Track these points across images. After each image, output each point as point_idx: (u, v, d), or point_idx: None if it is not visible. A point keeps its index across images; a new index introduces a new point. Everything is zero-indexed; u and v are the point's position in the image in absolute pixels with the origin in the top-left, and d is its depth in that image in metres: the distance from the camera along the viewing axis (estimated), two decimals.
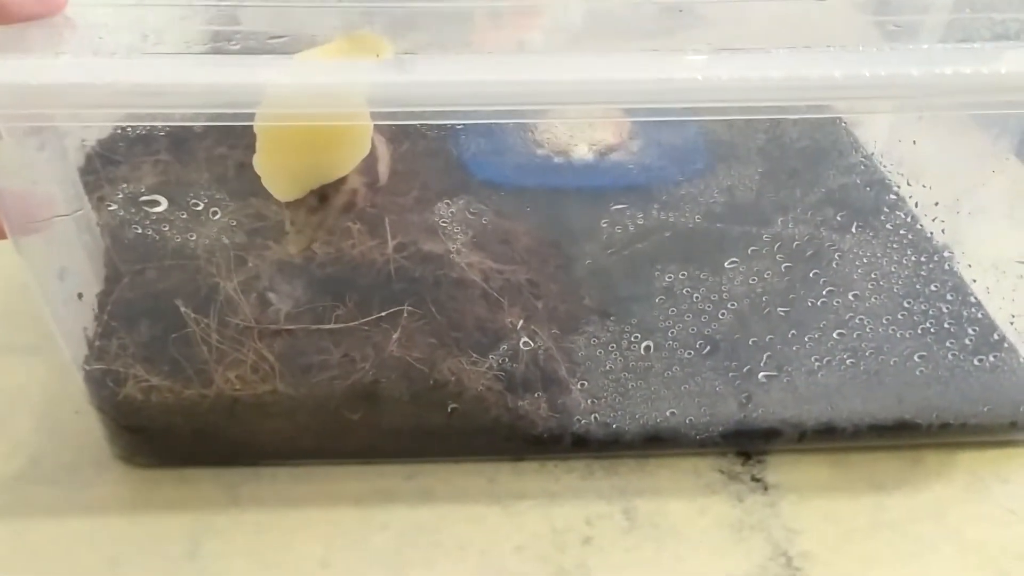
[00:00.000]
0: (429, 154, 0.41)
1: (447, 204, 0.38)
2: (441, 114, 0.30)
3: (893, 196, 0.33)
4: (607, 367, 0.37)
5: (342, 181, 0.32)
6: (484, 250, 0.35)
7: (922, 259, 0.34)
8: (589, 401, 0.38)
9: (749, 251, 0.34)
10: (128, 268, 0.36)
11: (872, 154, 0.33)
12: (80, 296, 0.35)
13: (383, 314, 0.35)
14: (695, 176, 0.38)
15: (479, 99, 0.29)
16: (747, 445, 0.39)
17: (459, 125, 0.33)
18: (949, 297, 0.37)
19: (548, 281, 0.35)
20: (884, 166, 0.34)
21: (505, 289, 0.35)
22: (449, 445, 0.39)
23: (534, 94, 0.28)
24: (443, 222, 0.34)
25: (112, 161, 0.32)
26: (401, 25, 0.31)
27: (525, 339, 0.36)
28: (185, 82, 0.27)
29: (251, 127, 0.30)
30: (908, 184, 0.33)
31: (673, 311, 0.35)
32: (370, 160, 0.32)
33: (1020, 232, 0.39)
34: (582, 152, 0.43)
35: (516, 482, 0.39)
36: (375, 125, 0.32)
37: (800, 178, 0.32)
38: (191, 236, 0.33)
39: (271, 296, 0.37)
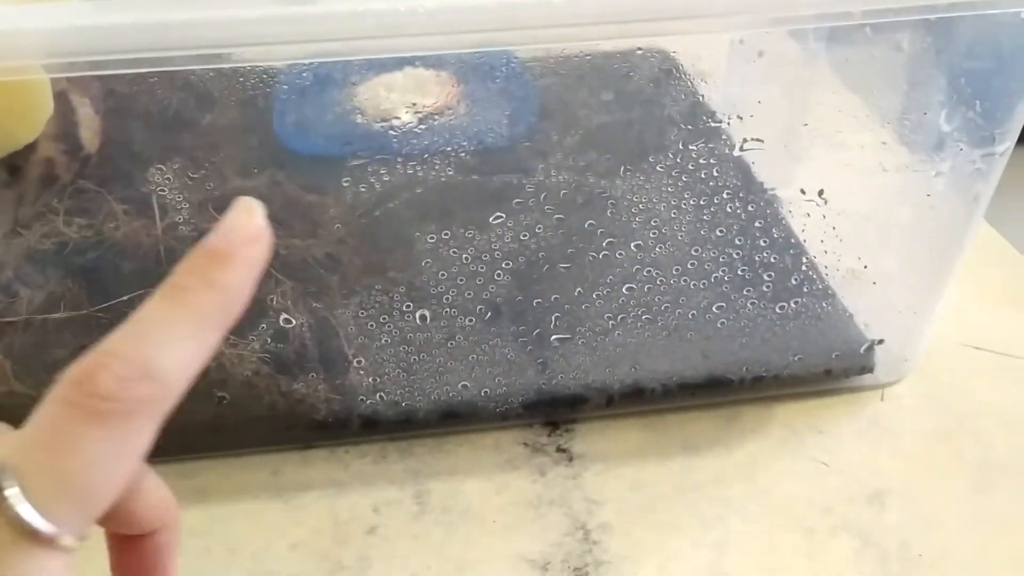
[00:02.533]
0: (239, 128, 0.37)
1: (245, 180, 0.34)
2: (132, 62, 0.26)
3: (717, 131, 0.30)
4: (383, 341, 0.34)
5: (31, 150, 0.28)
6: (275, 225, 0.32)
7: (739, 199, 0.31)
8: (371, 379, 0.35)
9: (514, 203, 0.31)
10: None
11: (697, 91, 0.30)
12: None
13: (125, 298, 0.32)
14: (525, 135, 0.35)
15: (166, 42, 0.25)
16: (553, 414, 0.37)
17: (154, 75, 0.30)
18: (763, 240, 0.35)
19: (299, 251, 0.32)
20: (706, 98, 0.31)
21: (278, 265, 0.32)
22: (225, 438, 0.36)
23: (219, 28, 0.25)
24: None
25: None
26: None
27: (285, 316, 0.32)
28: None
29: None
30: (730, 121, 0.30)
31: (443, 275, 0.32)
32: (65, 124, 0.28)
33: (841, 170, 0.37)
34: (405, 118, 0.40)
35: (302, 472, 0.36)
36: (71, 81, 0.28)
37: (553, 120, 0.30)
38: None
39: (18, 288, 0.33)
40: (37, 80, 0.26)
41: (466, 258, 0.32)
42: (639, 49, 0.34)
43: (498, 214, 0.31)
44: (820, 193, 0.33)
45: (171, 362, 0.17)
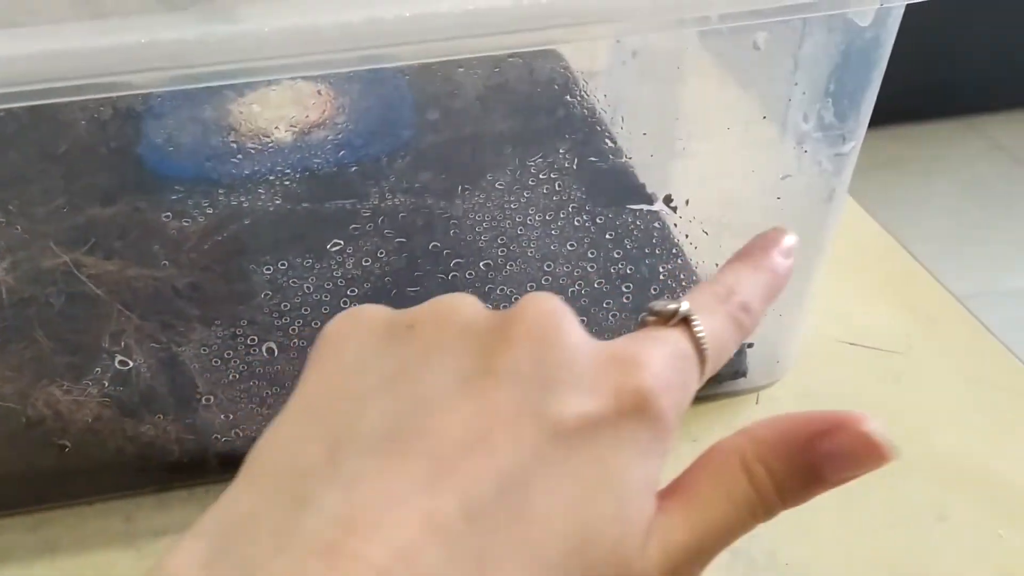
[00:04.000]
0: (91, 147, 0.35)
1: (100, 209, 0.32)
2: None
3: (601, 136, 0.29)
4: (231, 376, 0.32)
5: None
6: (121, 258, 0.30)
7: (558, 215, 0.31)
8: (225, 416, 0.33)
9: (350, 229, 0.30)
10: None
11: (583, 90, 0.29)
12: None
13: None
14: (401, 148, 0.34)
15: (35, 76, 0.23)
16: None
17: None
18: (591, 255, 0.34)
19: (125, 286, 0.30)
20: (590, 98, 0.30)
21: (90, 304, 0.30)
22: (74, 487, 0.34)
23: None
24: (80, 232, 0.29)
25: None
26: None
27: (121, 358, 0.31)
28: None
29: None
30: (622, 125, 0.30)
31: (285, 305, 0.31)
32: None
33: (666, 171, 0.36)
34: (280, 134, 0.38)
35: (158, 518, 0.34)
36: None
37: (376, 140, 0.29)
38: None
39: None
40: None
41: (308, 287, 0.31)
42: (511, 56, 0.33)
43: (336, 241, 0.30)
44: (668, 200, 0.32)
45: (756, 307, 0.23)
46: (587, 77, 0.34)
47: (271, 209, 0.29)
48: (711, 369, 0.22)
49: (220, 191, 0.28)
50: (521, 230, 0.31)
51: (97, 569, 0.32)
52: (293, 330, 0.32)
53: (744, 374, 0.37)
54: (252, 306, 0.31)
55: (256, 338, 0.31)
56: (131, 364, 0.31)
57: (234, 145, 0.33)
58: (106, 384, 0.31)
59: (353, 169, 0.28)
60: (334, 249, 0.30)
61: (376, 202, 0.29)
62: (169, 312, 0.31)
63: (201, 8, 0.25)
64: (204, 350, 0.31)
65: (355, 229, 0.30)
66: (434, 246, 0.31)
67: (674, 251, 0.33)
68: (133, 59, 0.23)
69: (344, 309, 0.32)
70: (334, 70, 0.29)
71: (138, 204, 0.32)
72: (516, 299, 0.33)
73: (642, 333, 0.21)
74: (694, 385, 0.21)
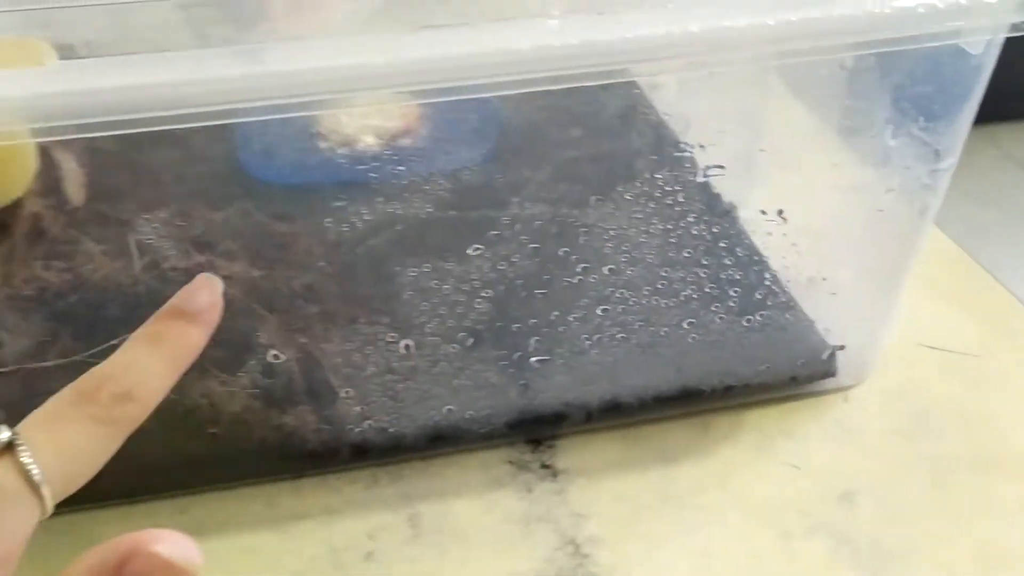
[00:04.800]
0: (199, 159, 0.38)
1: (217, 213, 0.35)
2: (112, 124, 0.27)
3: (681, 157, 0.32)
4: (369, 371, 0.35)
5: (18, 206, 0.29)
6: (250, 259, 0.33)
7: (704, 220, 0.33)
8: (359, 408, 0.36)
9: (490, 235, 0.32)
10: None
11: (662, 119, 0.32)
12: None
13: (114, 342, 0.33)
14: (486, 159, 0.37)
15: (157, 104, 0.26)
16: (535, 432, 0.38)
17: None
18: (728, 259, 0.37)
19: (286, 287, 0.33)
20: (667, 123, 0.32)
21: (236, 297, 0.33)
22: (219, 472, 0.36)
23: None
24: (207, 233, 0.31)
25: None
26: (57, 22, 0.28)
27: (274, 352, 0.33)
28: None
29: None
30: (701, 147, 0.32)
31: (426, 306, 0.34)
32: (50, 180, 0.29)
33: (802, 187, 0.39)
34: (368, 142, 0.41)
35: (296, 502, 0.37)
36: (60, 142, 0.29)
37: (524, 157, 0.31)
38: None
39: (5, 339, 0.34)
40: (20, 143, 0.27)
41: (447, 288, 0.33)
42: (603, 84, 0.35)
43: (476, 245, 0.32)
44: (780, 212, 0.34)
45: (146, 391, 0.23)
46: (676, 95, 0.36)
47: (422, 216, 0.31)
48: (68, 487, 0.21)
49: (378, 199, 0.31)
50: (644, 238, 0.33)
51: (245, 550, 0.35)
52: (429, 328, 0.34)
53: (833, 374, 0.40)
54: (395, 305, 0.33)
55: (396, 335, 0.34)
56: (282, 358, 0.34)
57: (391, 155, 0.35)
58: (257, 376, 0.34)
59: (499, 178, 0.31)
60: (474, 253, 0.32)
61: (516, 210, 0.32)
62: (314, 310, 0.33)
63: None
64: (347, 345, 0.34)
65: (495, 235, 0.32)
66: (564, 252, 0.33)
67: (783, 258, 0.35)
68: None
69: (477, 309, 0.34)
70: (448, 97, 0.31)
71: (247, 208, 0.35)
72: (633, 304, 0.35)
73: None
74: (28, 523, 0.20)
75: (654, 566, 0.34)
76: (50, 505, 0.21)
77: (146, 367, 0.23)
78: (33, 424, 0.21)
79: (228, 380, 0.34)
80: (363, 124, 0.39)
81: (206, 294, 0.24)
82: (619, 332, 0.36)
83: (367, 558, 0.34)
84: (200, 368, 0.34)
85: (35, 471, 0.20)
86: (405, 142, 0.40)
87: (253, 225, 0.31)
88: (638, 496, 0.36)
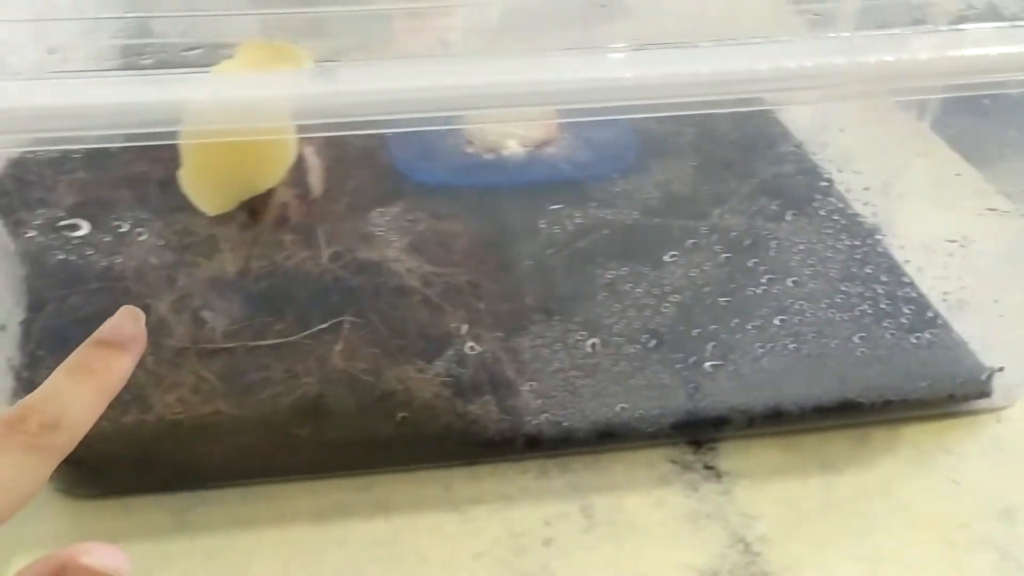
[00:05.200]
0: (359, 160, 0.40)
1: (381, 210, 0.37)
2: (369, 124, 0.29)
3: (825, 183, 0.34)
4: (555, 366, 0.36)
5: (270, 194, 0.31)
6: (423, 254, 0.35)
7: (856, 243, 0.35)
8: (539, 401, 0.37)
9: (688, 244, 0.34)
10: (52, 294, 0.35)
11: (801, 143, 0.34)
12: (3, 328, 0.34)
13: (324, 326, 0.35)
14: (625, 170, 0.38)
15: (406, 106, 0.28)
16: (698, 434, 0.40)
17: (387, 133, 0.33)
18: (884, 278, 0.38)
19: (490, 283, 0.35)
20: (813, 154, 0.34)
21: (447, 293, 0.35)
22: (402, 454, 0.38)
23: (461, 99, 0.28)
24: (378, 229, 0.34)
25: (25, 183, 0.31)
26: (317, 30, 0.30)
27: (471, 343, 0.35)
28: (102, 103, 0.26)
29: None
30: (839, 171, 0.34)
31: (616, 307, 0.35)
32: (299, 172, 0.31)
33: (945, 211, 0.40)
34: (512, 149, 0.43)
35: (472, 487, 0.38)
36: (304, 137, 0.31)
37: (734, 169, 0.33)
38: (117, 259, 0.31)
39: (206, 314, 0.36)
40: (287, 137, 0.29)
41: (639, 291, 0.35)
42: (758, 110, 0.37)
43: (673, 252, 0.34)
44: (955, 241, 0.36)
45: (75, 419, 0.23)
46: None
47: (628, 222, 0.33)
48: (4, 515, 0.21)
49: (592, 204, 0.32)
50: (830, 253, 0.35)
51: (428, 528, 0.37)
52: (616, 329, 0.36)
53: (989, 395, 0.41)
54: (588, 305, 0.35)
55: (585, 333, 0.36)
56: (478, 350, 0.36)
57: (491, 155, 0.37)
58: (452, 366, 0.36)
59: (705, 190, 0.32)
60: (670, 260, 0.34)
61: (716, 221, 0.33)
62: (517, 306, 0.35)
63: None
64: (539, 341, 0.36)
65: (692, 243, 0.34)
66: (753, 262, 0.35)
67: (959, 279, 0.37)
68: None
69: (663, 313, 0.36)
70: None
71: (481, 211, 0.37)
72: (809, 315, 0.37)
73: None
74: None
75: (824, 568, 0.35)
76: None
77: (73, 396, 0.23)
78: None
79: (425, 368, 0.36)
80: (506, 132, 0.41)
81: (131, 325, 0.25)
82: (792, 342, 0.37)
83: (546, 543, 0.36)
84: (401, 355, 0.36)
85: None
86: (547, 150, 0.42)
87: (466, 228, 0.33)
88: (801, 501, 0.38)
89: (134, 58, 0.30)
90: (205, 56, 0.31)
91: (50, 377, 0.24)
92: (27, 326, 0.35)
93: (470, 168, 0.40)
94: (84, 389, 0.23)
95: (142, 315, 0.26)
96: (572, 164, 0.39)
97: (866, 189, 0.37)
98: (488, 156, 0.41)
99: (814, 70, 0.27)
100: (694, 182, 0.33)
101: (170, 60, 0.30)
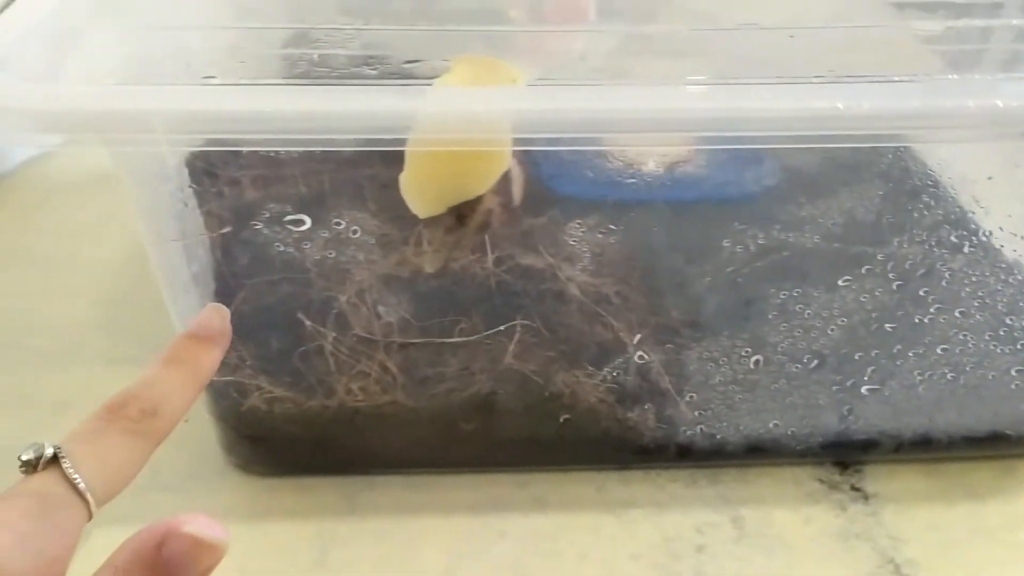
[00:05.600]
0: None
1: (541, 220, 0.38)
2: (582, 140, 0.31)
3: (1007, 216, 0.34)
4: (716, 380, 0.38)
5: (478, 201, 0.33)
6: (594, 266, 0.36)
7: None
8: (696, 413, 0.39)
9: (863, 269, 0.35)
10: (242, 281, 0.37)
11: (990, 177, 0.34)
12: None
13: (502, 328, 0.36)
14: (766, 191, 0.39)
15: (614, 126, 0.30)
16: (844, 455, 0.41)
17: (596, 150, 0.34)
18: None
19: (665, 297, 0.36)
20: (995, 194, 0.35)
21: (622, 304, 0.36)
22: (558, 454, 0.40)
23: (674, 123, 0.29)
24: (570, 240, 0.35)
25: (248, 178, 0.33)
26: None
27: (640, 352, 0.37)
28: (346, 110, 0.28)
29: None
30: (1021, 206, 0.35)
31: (784, 327, 0.36)
32: (505, 181, 0.33)
33: None
34: (651, 167, 0.44)
35: (624, 491, 0.40)
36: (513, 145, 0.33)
37: (920, 199, 0.34)
38: (330, 253, 0.34)
39: (397, 310, 0.38)
40: (504, 149, 0.31)
41: (808, 313, 0.36)
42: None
43: (847, 277, 0.35)
44: None
45: (171, 406, 0.25)
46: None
47: (808, 245, 0.34)
48: (109, 493, 0.23)
49: (776, 226, 0.34)
50: (1000, 286, 0.36)
51: (586, 527, 0.38)
52: (781, 348, 0.37)
53: None
54: (757, 323, 0.36)
55: (749, 350, 0.37)
56: (646, 359, 0.37)
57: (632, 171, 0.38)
58: (619, 374, 0.37)
59: (888, 218, 0.33)
60: (843, 284, 0.35)
61: (894, 249, 0.34)
62: (691, 319, 0.36)
63: None
64: (706, 354, 0.37)
65: (867, 270, 0.35)
66: (924, 291, 0.36)
67: None
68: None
69: (829, 335, 0.37)
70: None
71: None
72: (971, 346, 0.37)
73: (8, 492, 0.22)
74: (76, 524, 0.22)
75: None
76: (94, 509, 0.23)
77: (169, 385, 0.25)
78: (73, 439, 0.23)
79: (593, 373, 0.37)
80: (647, 150, 0.43)
81: (217, 321, 0.27)
82: (950, 371, 0.38)
83: (698, 550, 0.37)
84: (572, 360, 0.37)
85: (78, 479, 0.22)
86: (684, 169, 0.43)
87: (644, 243, 0.35)
88: (949, 527, 0.38)
89: (361, 68, 0.32)
90: (421, 69, 0.33)
91: (147, 368, 0.26)
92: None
93: (612, 183, 0.41)
94: (179, 378, 0.26)
95: (227, 312, 0.28)
96: (710, 184, 0.40)
97: None
98: (629, 172, 0.42)
99: (973, 110, 0.28)
100: (879, 210, 0.34)
101: (393, 71, 0.32)
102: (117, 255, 0.52)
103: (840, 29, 0.36)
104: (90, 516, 0.23)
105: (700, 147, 0.37)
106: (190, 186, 0.34)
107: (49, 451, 0.23)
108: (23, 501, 0.22)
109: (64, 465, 0.23)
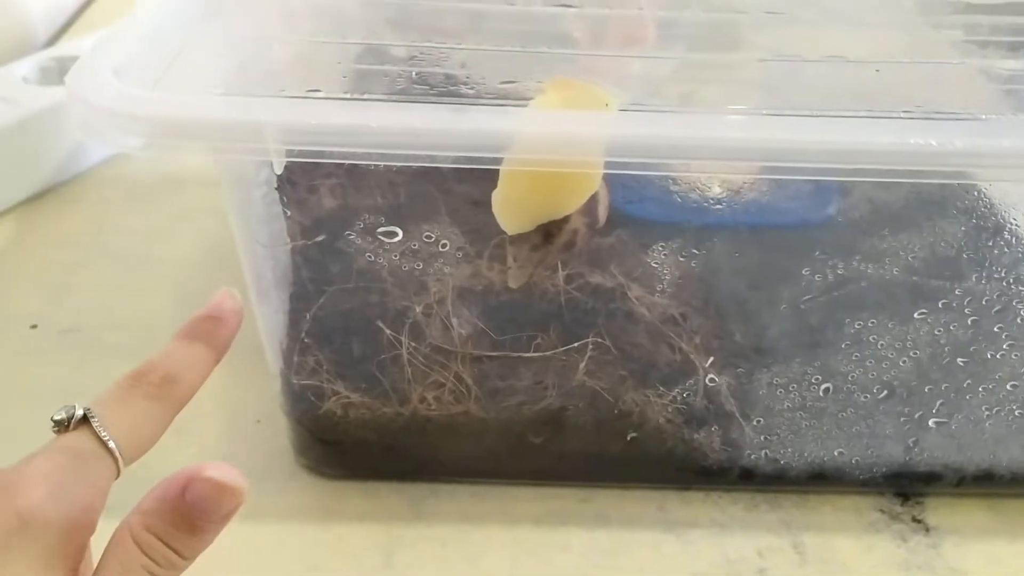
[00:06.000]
0: None
1: (627, 240, 0.39)
2: (670, 166, 0.32)
3: None
4: (785, 406, 0.38)
5: (565, 220, 0.33)
6: (674, 289, 0.37)
7: None
8: (762, 437, 0.39)
9: (940, 303, 0.35)
10: (322, 287, 0.38)
11: None
12: (288, 312, 0.37)
13: (575, 345, 0.37)
14: (826, 221, 0.40)
15: (709, 153, 0.30)
16: (906, 487, 0.41)
17: (681, 176, 0.35)
18: None
19: (736, 323, 0.37)
20: None
21: (696, 328, 0.37)
22: (622, 472, 0.41)
23: (758, 152, 0.30)
24: (655, 263, 0.36)
25: (346, 188, 0.34)
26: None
27: (712, 375, 0.37)
28: (447, 128, 0.29)
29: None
30: None
31: (856, 356, 0.37)
32: (591, 202, 0.34)
33: None
34: (715, 191, 0.44)
35: (685, 511, 0.40)
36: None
37: (1000, 237, 0.34)
38: (418, 264, 0.34)
39: (477, 323, 0.38)
40: (595, 171, 0.32)
41: (881, 344, 0.36)
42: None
43: (923, 310, 0.35)
44: None
45: (189, 375, 0.28)
46: None
47: (887, 277, 0.34)
48: (135, 452, 0.26)
49: (856, 257, 0.34)
50: None
51: (648, 544, 0.39)
52: (852, 377, 0.37)
53: None
54: (830, 352, 0.37)
55: (820, 378, 0.37)
56: (716, 382, 0.37)
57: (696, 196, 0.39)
58: (689, 395, 0.38)
59: (969, 254, 0.34)
60: (919, 317, 0.36)
61: (972, 284, 0.34)
62: (765, 345, 0.37)
63: None
64: (776, 379, 0.37)
65: (943, 304, 0.35)
66: (999, 328, 0.36)
67: None
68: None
69: (900, 367, 0.37)
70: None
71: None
72: None
73: (43, 448, 0.25)
74: (106, 478, 0.25)
75: None
76: (122, 466, 0.25)
77: (188, 356, 0.28)
78: (101, 402, 0.26)
79: (663, 393, 0.38)
80: (711, 175, 0.43)
81: (229, 302, 0.30)
82: (1018, 408, 0.38)
83: (760, 573, 0.38)
84: (643, 379, 0.38)
85: (107, 437, 0.25)
86: (748, 195, 0.43)
87: (724, 268, 0.35)
88: (1011, 562, 0.38)
89: (458, 87, 0.33)
90: (517, 90, 0.34)
91: (170, 341, 0.28)
92: (294, 315, 0.38)
93: (677, 206, 0.42)
94: (196, 351, 0.28)
95: (238, 295, 0.31)
96: (772, 210, 0.40)
97: None
98: (693, 196, 0.43)
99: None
100: (960, 245, 0.34)
101: (489, 91, 0.33)
102: (190, 254, 0.54)
103: (922, 65, 0.37)
104: (118, 473, 0.25)
105: (782, 176, 0.37)
106: (282, 196, 0.35)
107: (79, 412, 0.25)
108: (58, 456, 0.24)
109: (94, 424, 0.25)
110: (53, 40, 0.77)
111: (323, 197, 0.37)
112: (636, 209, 0.42)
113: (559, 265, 0.38)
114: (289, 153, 0.30)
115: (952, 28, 0.40)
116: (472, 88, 0.33)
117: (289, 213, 0.36)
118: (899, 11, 0.43)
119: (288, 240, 0.36)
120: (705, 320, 0.37)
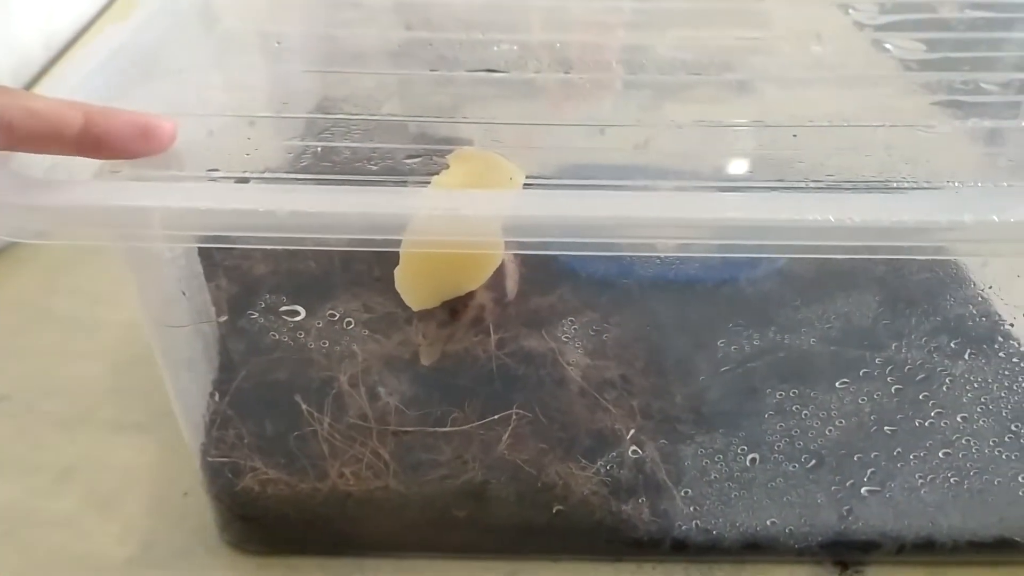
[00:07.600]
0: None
1: (551, 306, 0.39)
2: (574, 245, 0.31)
3: (1008, 327, 0.34)
4: (712, 476, 0.37)
5: (471, 296, 0.33)
6: (596, 356, 0.36)
7: None
8: (691, 508, 0.38)
9: (861, 372, 0.34)
10: (238, 366, 0.38)
11: (988, 287, 0.34)
12: (212, 392, 0.37)
13: (496, 417, 0.36)
14: (773, 275, 0.39)
15: (610, 233, 0.30)
16: (845, 555, 0.40)
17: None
18: None
19: (659, 393, 0.36)
20: (1001, 298, 0.34)
21: (617, 398, 0.36)
22: (550, 544, 0.40)
23: (668, 229, 0.29)
24: (562, 334, 0.35)
25: (247, 271, 0.34)
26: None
27: (635, 447, 0.36)
28: (340, 211, 0.29)
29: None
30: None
31: (781, 426, 0.36)
32: (498, 277, 0.33)
33: None
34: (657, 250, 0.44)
35: None
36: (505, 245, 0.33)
37: (918, 307, 0.33)
38: (323, 342, 0.34)
39: (390, 399, 0.38)
40: (497, 250, 0.31)
41: (805, 413, 0.36)
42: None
43: (844, 379, 0.35)
44: None
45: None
46: None
47: (804, 348, 0.34)
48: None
49: (772, 328, 0.33)
50: (1004, 393, 0.35)
51: None
52: (777, 447, 0.36)
53: None
54: (754, 422, 0.36)
55: (745, 448, 0.36)
56: (640, 454, 0.37)
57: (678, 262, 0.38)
58: (613, 467, 0.37)
59: (885, 324, 0.33)
60: (841, 386, 0.35)
61: (892, 354, 0.34)
62: (686, 416, 0.36)
63: None
64: (701, 450, 0.37)
65: (865, 372, 0.34)
66: (924, 396, 0.35)
67: None
68: None
69: (826, 436, 0.36)
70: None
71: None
72: (975, 452, 0.36)
73: None
74: None
75: None
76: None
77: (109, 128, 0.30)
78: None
79: (587, 466, 0.37)
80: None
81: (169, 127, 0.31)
82: (953, 475, 0.37)
83: None
84: (565, 451, 0.37)
85: None
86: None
87: (643, 334, 0.35)
88: None
89: (362, 163, 0.33)
90: (423, 164, 0.33)
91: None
92: (218, 386, 0.38)
93: (624, 266, 0.41)
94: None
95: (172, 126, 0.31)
96: (706, 267, 0.39)
97: None
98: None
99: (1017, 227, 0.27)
100: (875, 315, 0.33)
101: (394, 167, 0.33)
102: (135, 317, 0.53)
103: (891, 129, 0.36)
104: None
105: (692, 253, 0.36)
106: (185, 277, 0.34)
107: None
108: None
109: None
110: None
111: (221, 277, 0.37)
112: (580, 265, 0.41)
113: (491, 330, 0.38)
114: (176, 239, 0.30)
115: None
116: (376, 165, 0.33)
117: (200, 294, 0.36)
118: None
119: (200, 321, 0.35)
120: (630, 389, 0.37)
